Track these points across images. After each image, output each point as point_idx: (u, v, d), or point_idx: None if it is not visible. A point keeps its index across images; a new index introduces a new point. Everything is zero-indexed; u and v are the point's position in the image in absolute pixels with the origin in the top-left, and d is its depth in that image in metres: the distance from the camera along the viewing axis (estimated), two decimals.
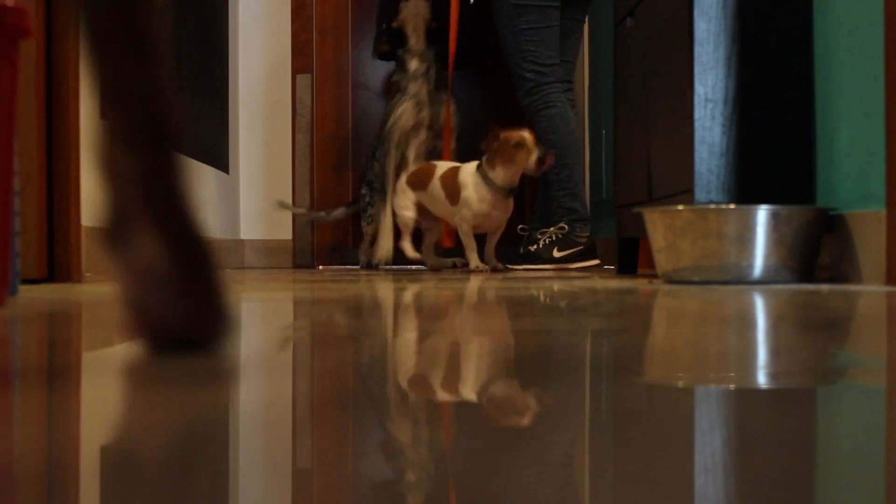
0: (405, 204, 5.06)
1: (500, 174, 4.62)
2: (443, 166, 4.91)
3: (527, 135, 4.61)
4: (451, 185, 4.80)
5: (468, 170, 4.78)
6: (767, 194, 3.24)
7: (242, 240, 6.38)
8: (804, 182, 3.31)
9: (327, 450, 0.67)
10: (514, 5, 4.93)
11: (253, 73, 6.41)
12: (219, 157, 5.81)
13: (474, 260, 4.87)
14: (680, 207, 3.08)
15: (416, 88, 5.39)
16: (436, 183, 4.87)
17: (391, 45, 5.54)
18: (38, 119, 3.21)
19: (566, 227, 5.03)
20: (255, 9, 6.41)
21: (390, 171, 5.37)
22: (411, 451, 0.66)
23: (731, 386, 0.94)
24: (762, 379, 0.99)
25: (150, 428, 0.74)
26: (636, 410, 0.81)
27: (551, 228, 5.05)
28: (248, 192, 6.39)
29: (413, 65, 5.42)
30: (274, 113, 6.40)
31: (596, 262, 5.12)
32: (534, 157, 4.54)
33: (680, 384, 0.95)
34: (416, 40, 5.46)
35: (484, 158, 4.69)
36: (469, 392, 0.91)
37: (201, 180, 5.25)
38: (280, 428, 0.75)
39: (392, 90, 5.51)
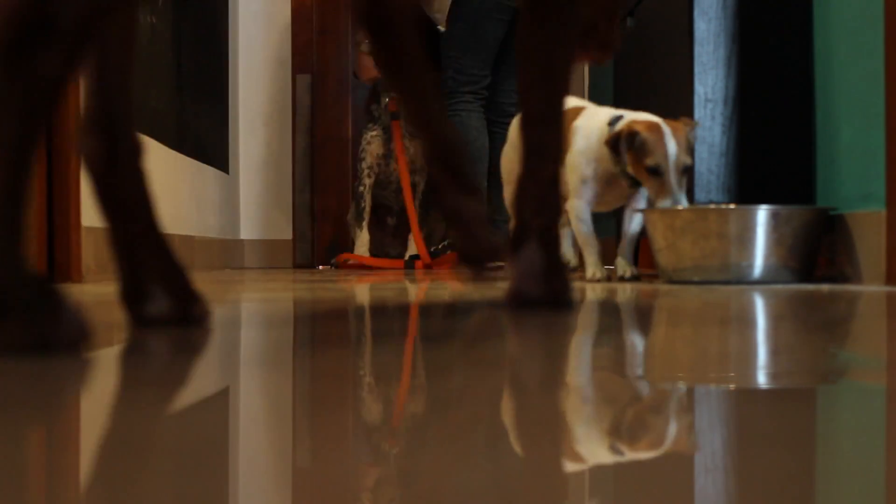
0: (508, 168, 3.50)
1: (628, 160, 3.08)
2: (571, 102, 3.21)
3: (674, 153, 3.03)
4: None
5: (597, 115, 3.25)
6: (767, 194, 3.24)
7: (242, 240, 6.38)
8: (804, 182, 3.31)
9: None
10: (454, 12, 5.01)
11: (253, 73, 6.41)
12: (219, 157, 5.81)
13: (591, 265, 3.30)
14: (680, 207, 3.08)
15: (387, 120, 5.58)
16: None
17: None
18: None
19: None
20: (255, 9, 6.41)
21: (367, 196, 5.56)
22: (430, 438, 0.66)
23: (731, 386, 0.94)
24: (762, 379, 0.99)
25: (151, 427, 0.74)
26: (636, 410, 0.81)
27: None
28: (248, 192, 6.39)
29: (386, 97, 5.62)
30: (274, 113, 6.40)
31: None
32: (666, 197, 3.04)
33: (680, 384, 0.95)
34: None
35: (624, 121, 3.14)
36: (461, 393, 0.91)
37: (201, 180, 5.25)
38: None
39: (367, 119, 5.72)
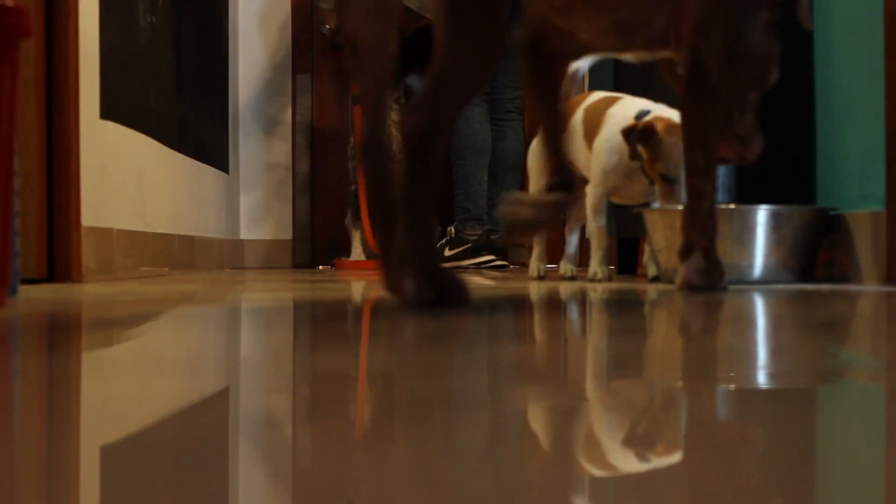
0: (536, 166, 3.42)
1: (644, 157, 3.02)
2: (599, 95, 3.31)
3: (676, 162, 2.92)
4: (593, 120, 3.21)
5: (630, 106, 3.16)
6: (767, 194, 3.24)
7: (242, 240, 6.38)
8: (804, 182, 3.31)
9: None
10: None
11: (253, 73, 6.41)
12: (219, 157, 5.81)
13: (594, 261, 3.23)
14: (680, 207, 3.08)
15: None
16: (578, 115, 3.24)
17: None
18: (38, 119, 3.21)
19: (457, 226, 5.31)
20: (254, 9, 6.41)
21: (360, 190, 5.57)
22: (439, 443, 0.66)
23: (732, 386, 0.94)
24: (762, 379, 0.99)
25: (151, 426, 0.74)
26: (636, 410, 0.81)
27: (449, 228, 5.36)
28: (248, 192, 6.39)
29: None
30: (274, 113, 6.40)
31: (489, 258, 5.30)
32: (673, 203, 3.00)
33: (680, 384, 0.95)
34: None
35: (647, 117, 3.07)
36: (472, 391, 0.91)
37: (201, 180, 5.25)
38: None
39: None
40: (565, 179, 2.54)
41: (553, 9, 2.51)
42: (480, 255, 5.32)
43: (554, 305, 2.14)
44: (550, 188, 2.51)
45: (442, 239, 5.47)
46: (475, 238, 5.31)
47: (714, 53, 2.48)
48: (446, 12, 1.94)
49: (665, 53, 2.60)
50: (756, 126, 2.59)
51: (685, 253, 2.50)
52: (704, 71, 2.47)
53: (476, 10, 1.93)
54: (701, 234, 2.49)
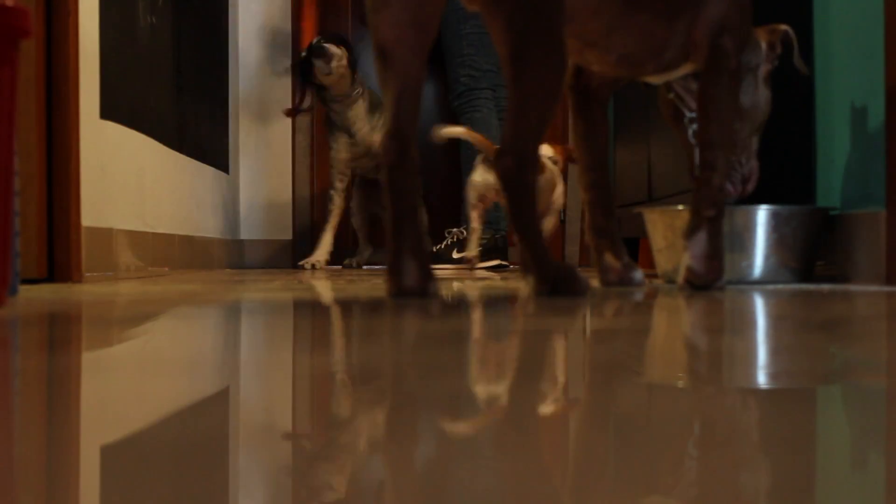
0: (472, 190, 4.72)
1: None
2: None
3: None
4: None
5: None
6: (767, 194, 3.24)
7: (242, 240, 6.38)
8: (804, 182, 3.31)
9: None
10: (462, 10, 5.04)
11: (253, 73, 6.41)
12: (219, 157, 5.81)
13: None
14: (680, 207, 3.08)
15: (342, 122, 5.47)
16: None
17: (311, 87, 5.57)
18: (38, 119, 3.21)
19: (466, 229, 5.29)
20: (254, 9, 6.41)
21: (336, 198, 5.52)
22: (412, 445, 0.66)
23: (732, 386, 0.94)
24: (762, 379, 0.99)
25: (151, 426, 0.74)
26: (636, 410, 0.81)
27: (455, 230, 5.30)
28: (248, 192, 6.39)
29: (336, 108, 5.47)
30: (274, 113, 6.40)
31: (496, 262, 5.29)
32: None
33: (680, 384, 0.95)
34: (336, 91, 5.47)
35: None
36: (471, 389, 0.91)
37: (201, 180, 5.25)
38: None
39: (327, 127, 5.60)
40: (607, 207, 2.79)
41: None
42: (489, 259, 5.28)
43: (553, 304, 2.14)
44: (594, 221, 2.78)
45: (446, 239, 5.43)
46: (485, 242, 5.28)
47: (733, 41, 2.61)
48: (510, 60, 2.16)
49: (683, 70, 2.69)
50: (756, 166, 2.85)
51: (691, 231, 2.57)
52: (723, 54, 2.59)
53: (537, 55, 2.15)
54: (709, 205, 2.56)
